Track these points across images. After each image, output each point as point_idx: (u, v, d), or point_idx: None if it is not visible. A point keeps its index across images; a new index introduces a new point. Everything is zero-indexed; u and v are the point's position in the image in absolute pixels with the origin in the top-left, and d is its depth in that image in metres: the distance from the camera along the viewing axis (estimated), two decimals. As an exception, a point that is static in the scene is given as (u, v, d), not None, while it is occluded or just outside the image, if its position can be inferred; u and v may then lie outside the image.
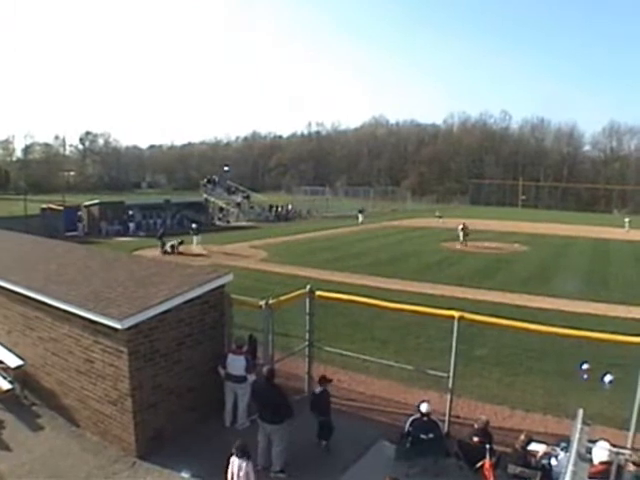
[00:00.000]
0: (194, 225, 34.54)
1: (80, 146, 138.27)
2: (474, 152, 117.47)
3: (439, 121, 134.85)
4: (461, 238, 38.95)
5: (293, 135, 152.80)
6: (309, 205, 68.01)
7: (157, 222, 45.62)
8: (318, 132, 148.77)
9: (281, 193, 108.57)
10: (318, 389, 9.58)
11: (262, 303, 9.91)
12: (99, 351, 9.09)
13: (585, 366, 8.82)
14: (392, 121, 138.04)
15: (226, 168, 76.55)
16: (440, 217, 61.30)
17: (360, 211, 60.24)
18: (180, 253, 31.06)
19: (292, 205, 66.59)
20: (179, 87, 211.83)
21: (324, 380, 9.63)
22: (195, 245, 32.04)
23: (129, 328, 8.51)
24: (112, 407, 9.16)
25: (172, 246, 31.53)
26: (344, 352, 11.11)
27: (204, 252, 30.97)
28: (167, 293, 9.31)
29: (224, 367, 9.84)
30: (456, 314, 9.20)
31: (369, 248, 34.40)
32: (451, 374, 9.37)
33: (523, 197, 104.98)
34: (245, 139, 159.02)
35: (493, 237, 39.81)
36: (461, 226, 39.78)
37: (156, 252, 30.60)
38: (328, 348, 11.16)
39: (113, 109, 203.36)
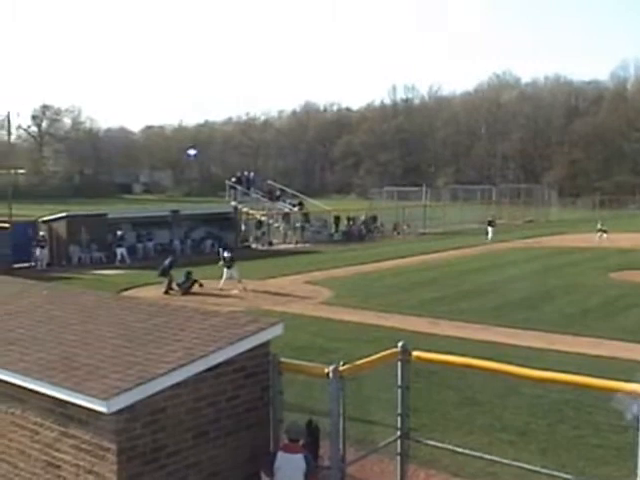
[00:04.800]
0: (226, 254, 24.94)
1: (34, 128, 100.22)
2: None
3: (603, 76, 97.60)
4: None
5: (369, 107, 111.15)
6: (396, 216, 50.10)
7: (160, 245, 35.13)
8: (407, 100, 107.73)
9: (351, 197, 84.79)
10: None
11: (329, 370, 7.08)
12: (70, 449, 6.60)
13: None
14: (526, 79, 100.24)
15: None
16: (604, 231, 43.38)
17: (490, 223, 45.25)
18: (187, 292, 23.25)
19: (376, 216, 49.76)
20: (190, 35, 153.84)
21: None
22: (224, 281, 23.93)
23: (120, 411, 6.16)
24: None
25: (184, 283, 23.48)
26: (457, 449, 7.97)
27: (236, 291, 23.62)
28: (180, 356, 6.86)
29: (271, 474, 6.92)
30: (643, 389, 6.32)
31: (493, 282, 26.96)
32: (639, 489, 6.39)
33: None
34: (294, 114, 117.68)
35: None
36: None
37: (159, 292, 23.37)
38: (432, 442, 7.96)
39: (84, 71, 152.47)
